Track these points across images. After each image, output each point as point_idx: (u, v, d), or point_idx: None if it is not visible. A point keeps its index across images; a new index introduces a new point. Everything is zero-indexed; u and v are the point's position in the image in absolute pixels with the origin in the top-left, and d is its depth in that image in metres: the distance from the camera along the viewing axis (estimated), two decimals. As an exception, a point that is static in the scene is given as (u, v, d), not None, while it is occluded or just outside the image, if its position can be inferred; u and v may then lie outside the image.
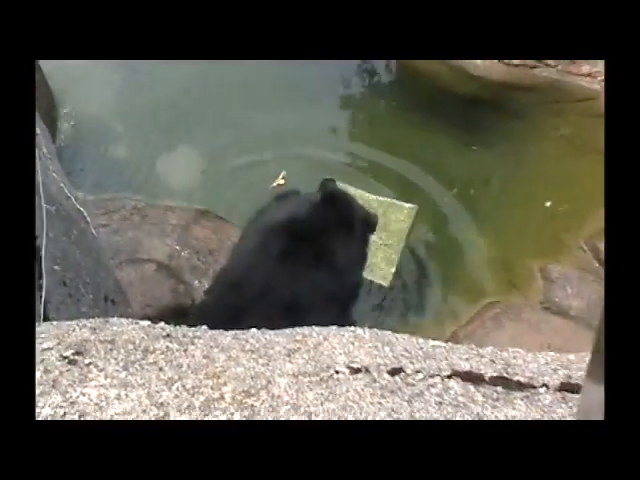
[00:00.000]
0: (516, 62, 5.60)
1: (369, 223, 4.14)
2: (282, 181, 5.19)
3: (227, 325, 3.03)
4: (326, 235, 3.86)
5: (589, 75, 5.53)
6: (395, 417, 1.70)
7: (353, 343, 2.00)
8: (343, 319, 3.59)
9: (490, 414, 1.76)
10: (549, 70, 5.59)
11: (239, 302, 3.61)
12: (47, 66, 5.24)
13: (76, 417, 1.64)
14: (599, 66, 5.49)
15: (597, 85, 5.50)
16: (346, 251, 3.90)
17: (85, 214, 3.16)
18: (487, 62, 5.64)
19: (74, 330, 1.98)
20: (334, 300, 3.80)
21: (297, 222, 3.84)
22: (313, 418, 1.68)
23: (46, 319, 2.43)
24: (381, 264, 4.68)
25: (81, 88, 5.66)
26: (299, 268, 3.73)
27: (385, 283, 4.66)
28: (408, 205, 4.93)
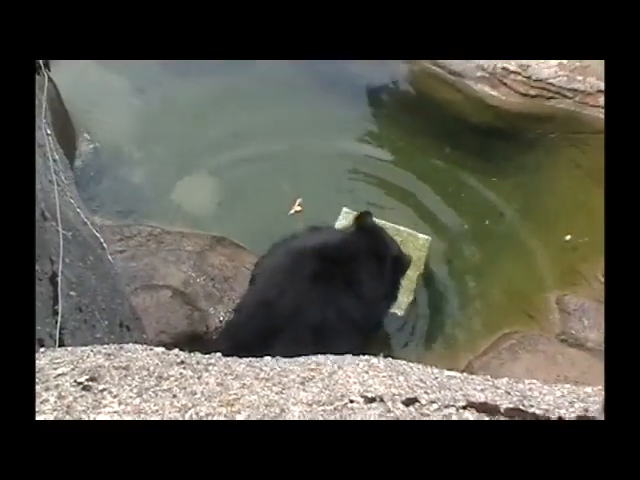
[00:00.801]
0: (532, 92, 5.61)
1: (401, 263, 4.24)
2: (299, 208, 5.21)
3: (258, 343, 3.11)
4: (356, 263, 3.92)
5: (606, 107, 5.53)
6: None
7: (367, 372, 1.99)
8: (358, 348, 3.61)
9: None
10: (566, 101, 5.59)
11: (271, 320, 3.73)
12: (65, 89, 5.28)
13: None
14: (616, 98, 5.48)
15: (614, 117, 5.49)
16: (374, 283, 3.94)
17: (101, 240, 3.17)
18: (503, 91, 5.66)
19: (88, 356, 1.98)
20: (356, 328, 3.84)
21: (329, 246, 4.01)
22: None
23: (61, 344, 2.44)
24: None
25: (100, 113, 5.71)
26: (328, 291, 3.86)
27: (400, 312, 4.65)
28: (423, 236, 4.93)
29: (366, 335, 4.06)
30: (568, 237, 5.10)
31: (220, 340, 4.04)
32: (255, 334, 3.71)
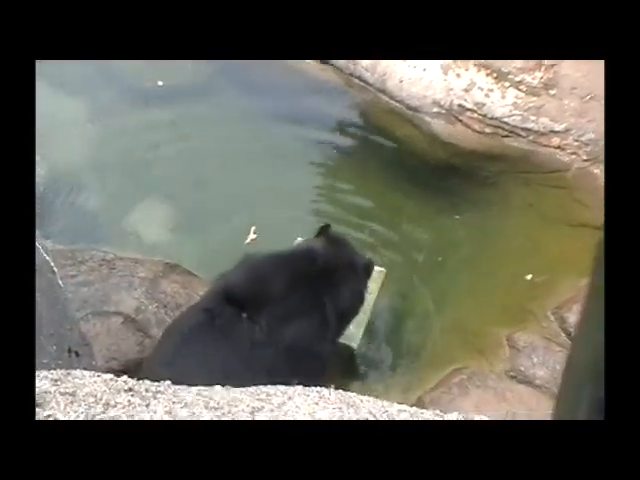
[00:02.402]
0: (488, 130, 5.70)
1: (368, 267, 4.45)
2: (254, 236, 5.21)
3: (254, 307, 3.72)
4: (336, 271, 4.23)
5: (558, 147, 5.65)
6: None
7: (317, 404, 1.98)
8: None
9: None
10: (519, 140, 5.69)
11: (264, 290, 3.96)
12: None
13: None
14: (569, 139, 5.60)
15: (566, 157, 5.60)
16: (350, 293, 4.26)
17: (52, 264, 3.13)
18: (459, 128, 5.74)
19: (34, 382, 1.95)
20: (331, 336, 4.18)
21: (318, 253, 4.26)
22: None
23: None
24: (350, 326, 4.67)
25: (54, 137, 5.65)
26: (317, 289, 4.11)
27: (355, 345, 4.64)
28: (378, 268, 4.94)
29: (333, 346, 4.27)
30: (529, 276, 5.14)
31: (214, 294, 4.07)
32: (247, 295, 3.90)
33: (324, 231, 4.46)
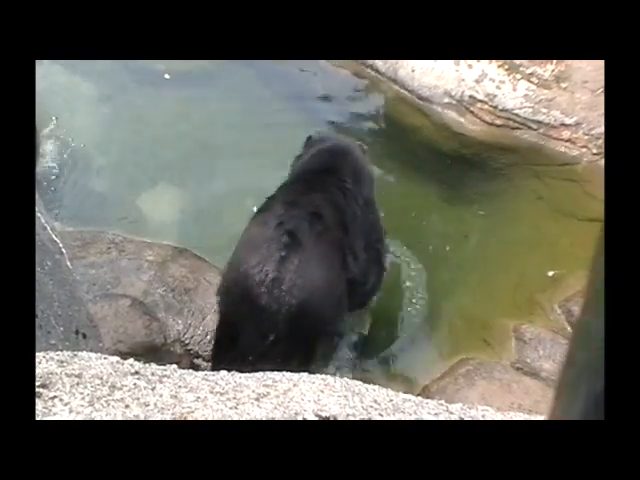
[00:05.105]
0: (498, 122, 5.68)
1: (364, 150, 4.69)
2: None
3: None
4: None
5: (569, 141, 5.63)
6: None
7: (323, 391, 1.98)
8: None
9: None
10: (530, 132, 5.67)
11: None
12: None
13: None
14: (579, 132, 5.58)
15: (576, 151, 5.59)
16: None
17: (60, 245, 3.13)
18: (469, 119, 5.72)
19: (40, 362, 1.95)
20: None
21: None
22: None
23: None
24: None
25: (65, 116, 5.66)
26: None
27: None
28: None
29: None
30: (551, 273, 5.12)
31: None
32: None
33: (310, 139, 4.65)
